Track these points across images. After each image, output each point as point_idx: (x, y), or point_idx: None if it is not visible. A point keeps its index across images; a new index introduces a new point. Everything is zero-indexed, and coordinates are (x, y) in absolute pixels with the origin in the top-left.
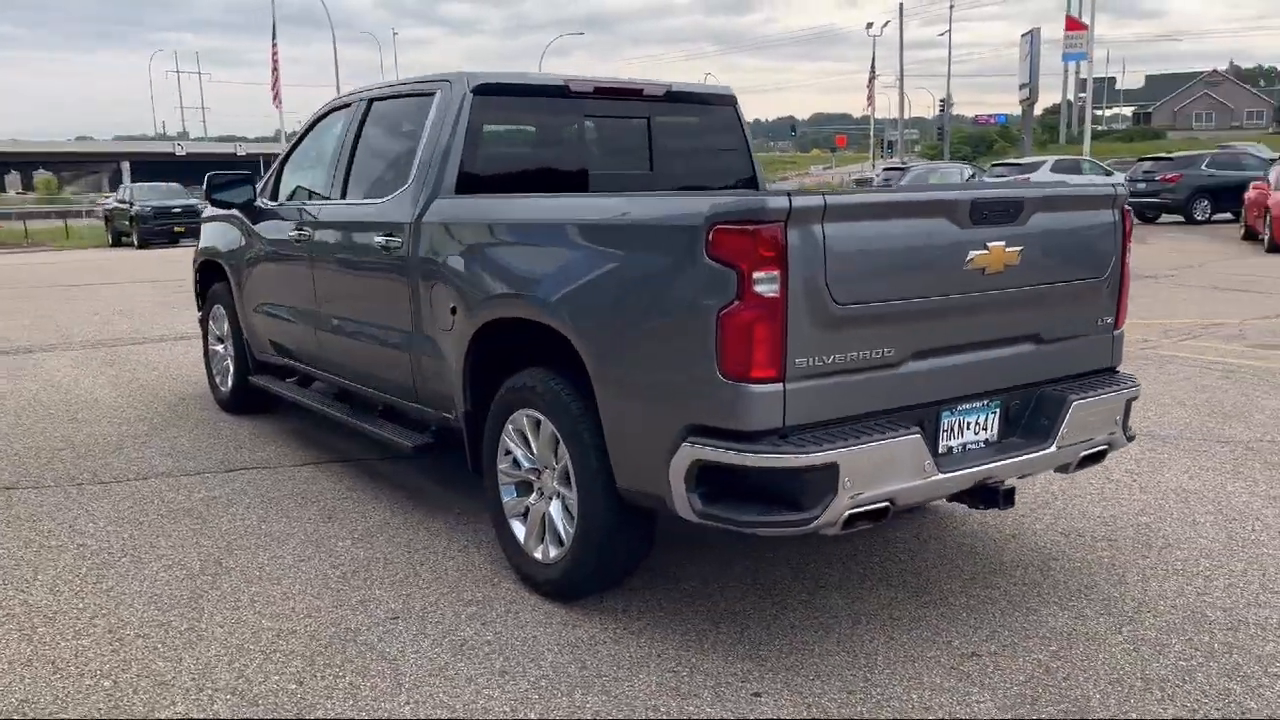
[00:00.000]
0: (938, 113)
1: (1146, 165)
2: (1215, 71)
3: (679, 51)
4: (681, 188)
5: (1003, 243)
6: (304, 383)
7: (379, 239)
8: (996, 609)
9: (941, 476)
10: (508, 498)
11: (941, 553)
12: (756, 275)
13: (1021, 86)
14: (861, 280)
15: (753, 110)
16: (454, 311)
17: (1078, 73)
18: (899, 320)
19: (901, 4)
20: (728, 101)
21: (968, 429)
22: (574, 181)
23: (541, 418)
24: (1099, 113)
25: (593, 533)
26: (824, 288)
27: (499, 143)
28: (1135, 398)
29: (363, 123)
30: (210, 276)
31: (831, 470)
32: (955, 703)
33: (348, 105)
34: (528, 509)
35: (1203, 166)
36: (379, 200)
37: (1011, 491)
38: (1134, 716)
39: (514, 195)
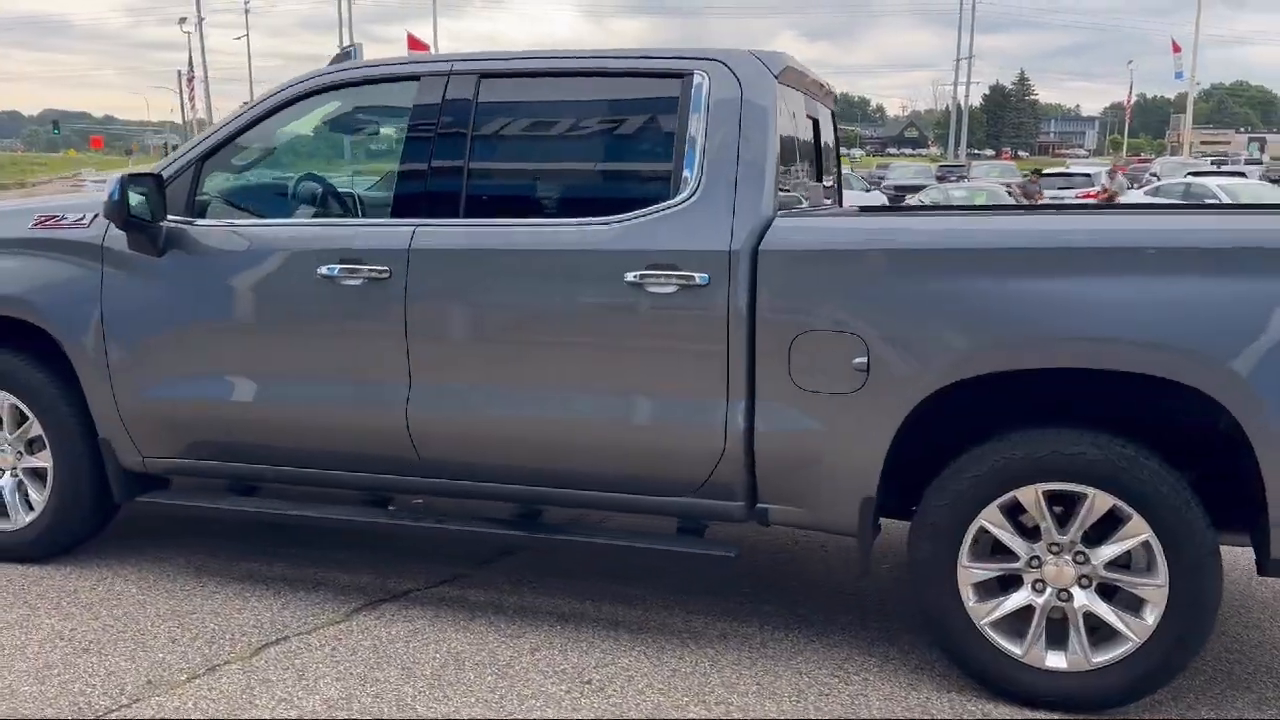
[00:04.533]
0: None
1: None
2: None
3: None
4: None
5: None
6: (244, 492)
7: (636, 275)
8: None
9: None
10: (973, 600)
11: None
12: None
13: None
14: None
15: None
16: (865, 369)
17: None
18: None
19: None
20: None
21: None
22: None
23: (1092, 491)
24: None
25: (1200, 617)
26: None
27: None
28: None
29: (474, 110)
30: None
31: None
32: None
33: (398, 79)
34: (1031, 608)
35: None
36: (608, 223)
37: None
38: None
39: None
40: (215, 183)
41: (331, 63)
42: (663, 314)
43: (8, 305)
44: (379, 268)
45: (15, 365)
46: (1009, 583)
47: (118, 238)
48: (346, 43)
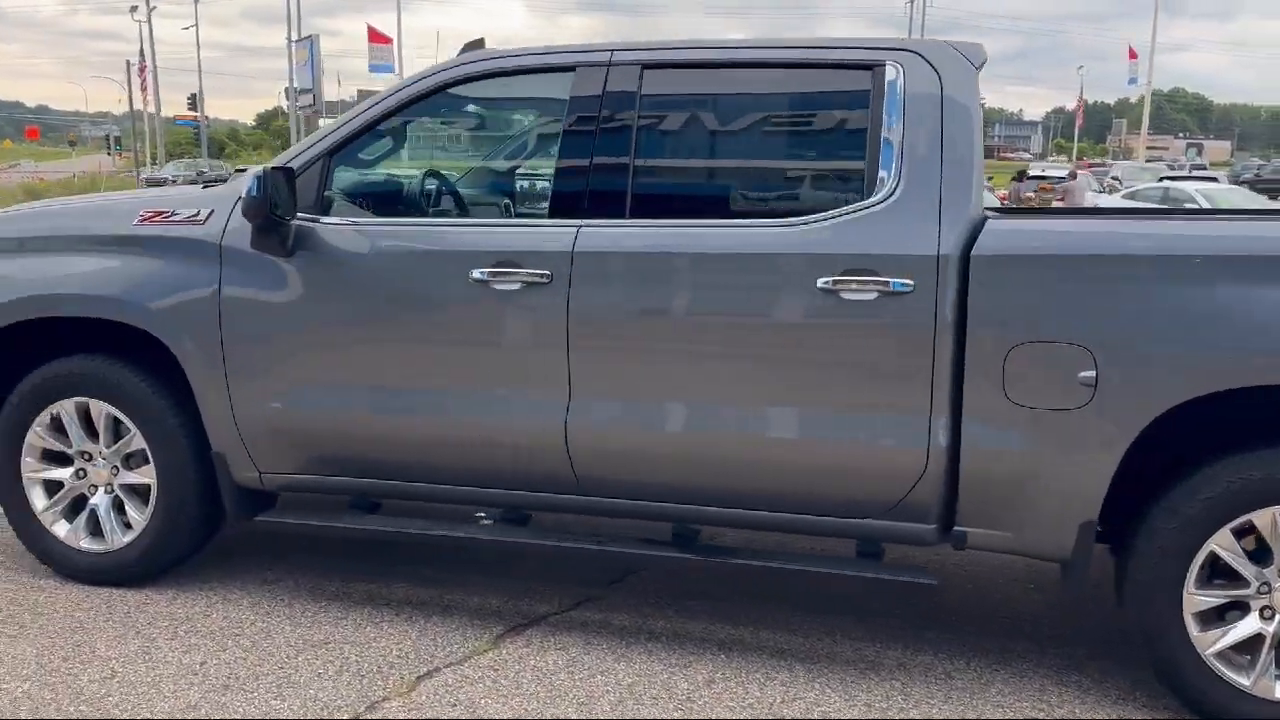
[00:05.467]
0: (186, 111)
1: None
2: None
3: None
4: None
5: None
6: (366, 509)
7: (829, 281)
8: None
9: None
10: (1196, 629)
11: None
12: None
13: (302, 93)
14: None
15: None
16: (1093, 384)
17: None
18: None
19: None
20: None
21: None
22: None
23: None
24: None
25: None
26: None
27: None
28: None
29: (639, 103)
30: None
31: None
32: None
33: (550, 70)
34: (1260, 637)
35: None
36: (795, 225)
37: None
38: None
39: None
40: (342, 178)
41: (462, 52)
42: (859, 322)
43: (110, 308)
44: (539, 271)
45: (116, 373)
46: (1230, 610)
47: (238, 235)
48: (297, 35)
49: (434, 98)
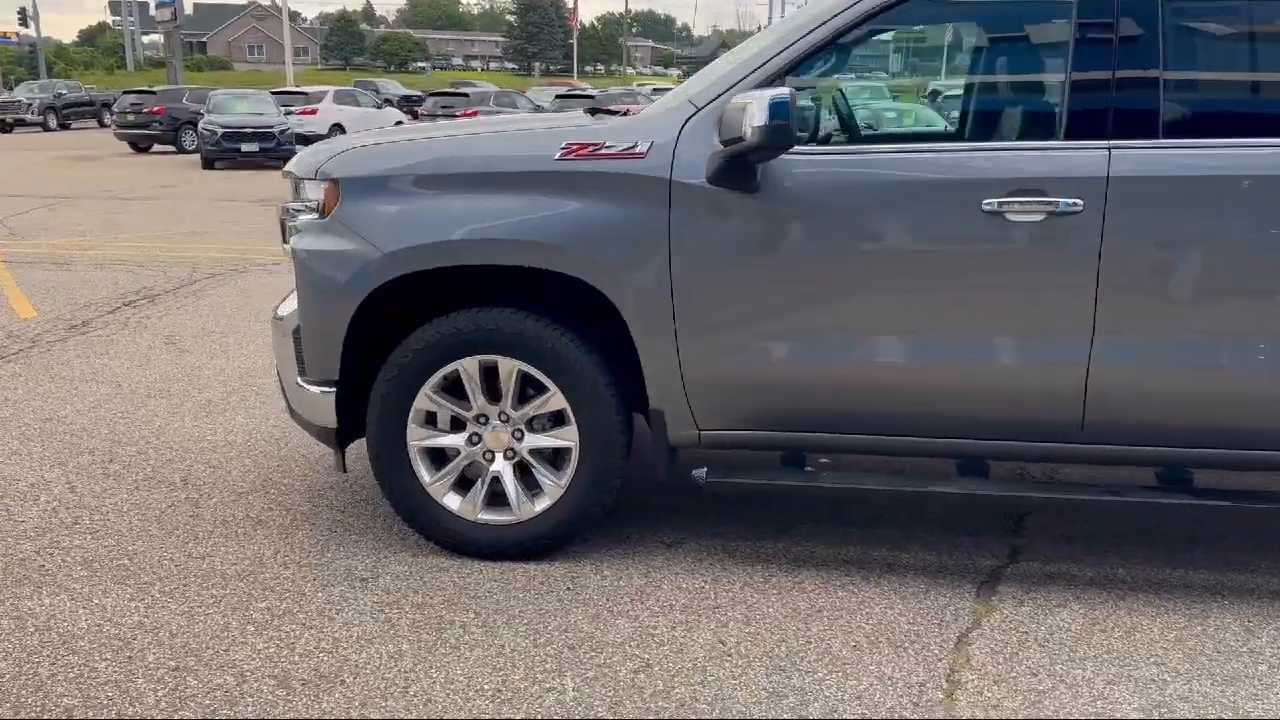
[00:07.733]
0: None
1: (133, 98)
2: (260, 5)
3: None
4: None
5: None
6: (795, 463)
7: None
8: None
9: None
10: None
11: None
12: None
13: (161, 6)
14: None
15: None
16: None
17: None
18: None
19: None
20: None
21: None
22: None
23: None
24: (147, 39)
25: None
26: None
27: None
28: None
29: (1162, 12)
30: (394, 301)
31: None
32: None
33: None
34: None
35: (184, 100)
36: None
37: None
38: None
39: None
40: (851, 103)
41: None
42: None
43: (549, 256)
44: (1070, 200)
45: (535, 327)
46: None
47: (689, 169)
48: None
49: (901, 8)
